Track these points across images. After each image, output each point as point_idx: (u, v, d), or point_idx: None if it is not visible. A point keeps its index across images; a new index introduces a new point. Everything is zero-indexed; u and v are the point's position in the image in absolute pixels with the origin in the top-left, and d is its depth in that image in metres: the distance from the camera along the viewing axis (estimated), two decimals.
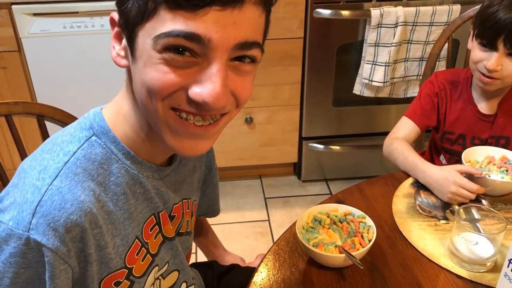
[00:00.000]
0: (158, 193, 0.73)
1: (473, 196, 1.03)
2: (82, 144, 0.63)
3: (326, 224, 0.95)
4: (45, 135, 1.03)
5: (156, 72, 0.56)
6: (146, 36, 0.56)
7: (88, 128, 0.65)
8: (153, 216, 0.74)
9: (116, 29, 0.61)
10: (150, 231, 0.74)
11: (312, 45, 2.04)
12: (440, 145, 1.34)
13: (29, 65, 1.94)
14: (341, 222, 0.95)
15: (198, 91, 0.56)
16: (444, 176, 1.05)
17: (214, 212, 1.08)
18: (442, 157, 1.38)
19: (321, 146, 2.28)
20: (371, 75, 2.03)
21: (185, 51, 0.55)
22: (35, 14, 1.85)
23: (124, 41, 0.60)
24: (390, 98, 2.13)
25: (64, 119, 1.02)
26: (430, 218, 1.03)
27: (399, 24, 1.93)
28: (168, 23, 0.54)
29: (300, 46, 2.04)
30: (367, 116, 2.25)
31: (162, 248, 0.78)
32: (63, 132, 0.67)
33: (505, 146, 1.20)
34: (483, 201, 1.06)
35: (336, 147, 2.29)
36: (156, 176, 0.71)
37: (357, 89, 2.11)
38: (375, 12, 1.92)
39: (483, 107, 1.24)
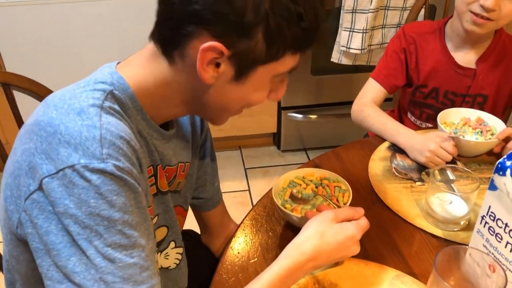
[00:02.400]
0: (157, 150, 0.78)
1: (450, 158, 1.03)
2: (107, 94, 0.66)
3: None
4: (12, 104, 1.00)
5: (263, 94, 0.72)
6: (266, 72, 0.68)
7: (110, 84, 0.68)
8: (151, 167, 0.77)
9: (213, 56, 0.64)
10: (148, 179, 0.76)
11: None
12: (411, 99, 1.32)
13: (2, 36, 1.87)
14: (317, 187, 0.95)
15: (277, 97, 0.76)
16: (426, 137, 1.06)
17: (214, 196, 1.07)
18: (410, 115, 1.37)
19: (300, 116, 2.27)
20: (348, 42, 2.01)
21: None
22: None
23: (224, 67, 0.66)
24: (368, 65, 2.12)
25: (32, 87, 0.99)
26: (406, 180, 1.04)
27: None
28: (287, 64, 0.68)
29: None
30: (345, 84, 2.24)
31: (154, 199, 0.80)
32: (76, 86, 0.68)
33: (482, 105, 1.21)
34: (458, 162, 1.07)
35: (315, 116, 2.29)
36: (155, 136, 0.76)
37: (335, 57, 2.09)
38: None
39: (460, 59, 1.21)
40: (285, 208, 0.90)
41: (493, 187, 0.72)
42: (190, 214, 1.10)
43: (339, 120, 2.31)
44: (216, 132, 2.25)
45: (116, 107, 0.67)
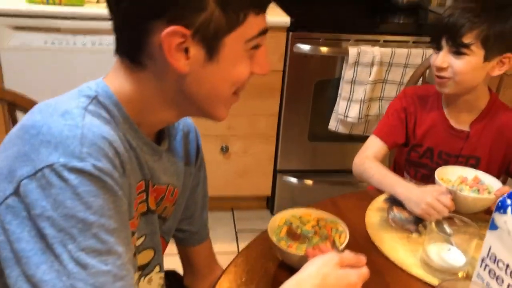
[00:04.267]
0: (147, 164, 0.75)
1: (446, 211, 1.02)
2: (92, 100, 0.66)
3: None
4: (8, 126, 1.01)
5: (243, 67, 0.69)
6: (235, 40, 0.66)
7: (94, 91, 0.68)
8: (143, 181, 0.74)
9: (178, 41, 0.64)
10: (138, 195, 0.73)
11: (291, 79, 2.08)
12: (407, 158, 1.35)
13: (6, 78, 1.91)
14: (313, 227, 0.93)
15: (262, 69, 0.72)
16: (423, 190, 1.06)
17: (200, 230, 1.03)
18: (405, 174, 1.38)
19: (295, 180, 2.27)
20: (346, 111, 2.07)
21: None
22: (16, 28, 1.84)
23: (193, 51, 0.65)
24: (364, 135, 2.16)
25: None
26: (402, 231, 1.03)
27: (375, 63, 1.99)
28: (254, 26, 0.67)
29: (279, 79, 2.07)
30: (342, 152, 2.27)
31: (142, 218, 0.77)
32: (62, 95, 0.68)
33: (475, 167, 1.22)
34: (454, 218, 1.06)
35: (310, 182, 2.28)
36: (145, 149, 0.74)
37: (332, 125, 2.14)
38: (352, 51, 1.98)
39: (455, 121, 1.26)
40: (280, 244, 0.87)
41: (493, 226, 0.71)
42: (172, 253, 1.06)
43: (333, 188, 2.31)
44: (210, 190, 2.23)
45: (103, 112, 0.66)
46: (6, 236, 0.58)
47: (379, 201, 1.13)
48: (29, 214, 0.57)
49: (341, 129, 2.13)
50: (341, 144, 2.25)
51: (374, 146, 1.29)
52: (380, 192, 1.16)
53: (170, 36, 0.63)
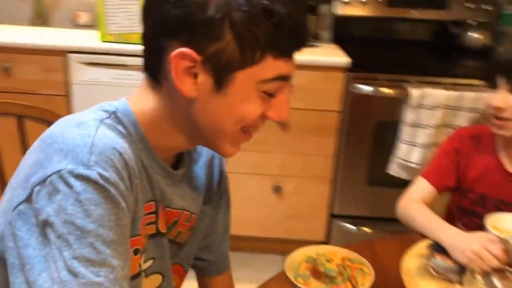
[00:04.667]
0: (159, 185, 0.74)
1: (495, 262, 0.90)
2: (110, 115, 0.68)
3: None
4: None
5: (252, 106, 0.66)
6: (248, 78, 0.64)
7: (114, 107, 0.69)
8: (153, 202, 0.73)
9: (187, 64, 0.64)
10: (146, 215, 0.72)
11: (349, 119, 2.02)
12: (458, 205, 1.23)
13: (76, 110, 2.04)
14: (337, 266, 0.86)
15: (278, 115, 0.69)
16: (470, 237, 0.96)
17: (219, 261, 0.99)
18: (458, 223, 1.26)
19: (353, 227, 2.15)
20: (408, 156, 1.96)
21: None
22: (88, 64, 1.98)
23: (202, 77, 0.65)
24: None
25: None
26: (444, 280, 0.92)
27: (440, 106, 1.89)
28: (272, 69, 0.64)
29: (336, 119, 2.02)
30: None
31: (150, 240, 0.75)
32: (83, 111, 0.70)
33: None
34: (506, 272, 0.93)
35: (368, 230, 2.16)
36: (157, 170, 0.73)
37: (393, 170, 2.03)
38: (415, 92, 1.89)
39: (511, 165, 1.14)
40: (297, 281, 0.81)
41: None
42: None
43: None
44: (260, 231, 2.19)
45: (120, 127, 0.67)
46: (15, 242, 0.59)
47: (421, 247, 1.02)
48: (37, 221, 0.58)
49: (402, 175, 2.01)
50: (402, 190, 2.12)
51: (421, 189, 1.20)
52: (424, 237, 1.06)
53: (178, 58, 0.63)
